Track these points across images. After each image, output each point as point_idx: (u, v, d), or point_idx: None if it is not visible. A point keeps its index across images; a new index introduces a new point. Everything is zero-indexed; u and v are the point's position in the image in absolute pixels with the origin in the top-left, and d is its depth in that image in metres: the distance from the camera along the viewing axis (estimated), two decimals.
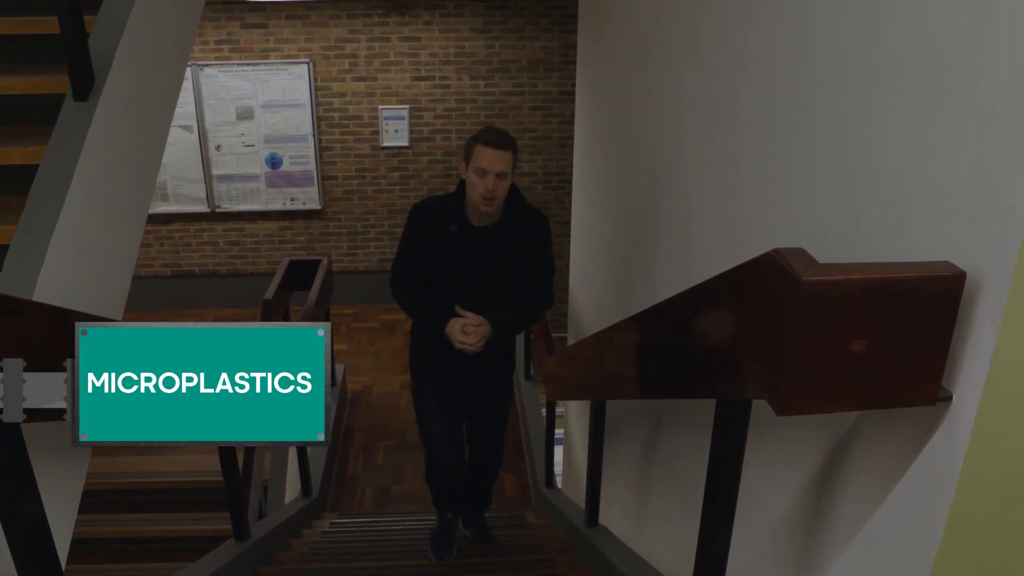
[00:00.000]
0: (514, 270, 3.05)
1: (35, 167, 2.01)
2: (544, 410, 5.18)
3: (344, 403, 6.26)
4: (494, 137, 2.82)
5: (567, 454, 5.19)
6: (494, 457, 3.59)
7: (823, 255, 1.04)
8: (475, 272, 3.00)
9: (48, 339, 1.46)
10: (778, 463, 1.60)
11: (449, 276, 3.02)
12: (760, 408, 1.17)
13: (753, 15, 1.75)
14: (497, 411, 3.45)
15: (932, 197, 1.09)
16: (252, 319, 7.72)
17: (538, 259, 3.09)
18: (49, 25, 2.19)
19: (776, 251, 0.99)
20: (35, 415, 1.35)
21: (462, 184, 2.96)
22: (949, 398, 1.04)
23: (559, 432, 5.34)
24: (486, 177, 2.78)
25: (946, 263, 1.00)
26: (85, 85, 2.10)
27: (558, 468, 5.13)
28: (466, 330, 2.92)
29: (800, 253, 0.98)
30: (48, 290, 1.81)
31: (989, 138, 0.98)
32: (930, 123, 1.09)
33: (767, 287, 1.04)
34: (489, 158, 2.78)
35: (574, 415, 4.78)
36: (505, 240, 3.00)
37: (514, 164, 2.85)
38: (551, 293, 3.17)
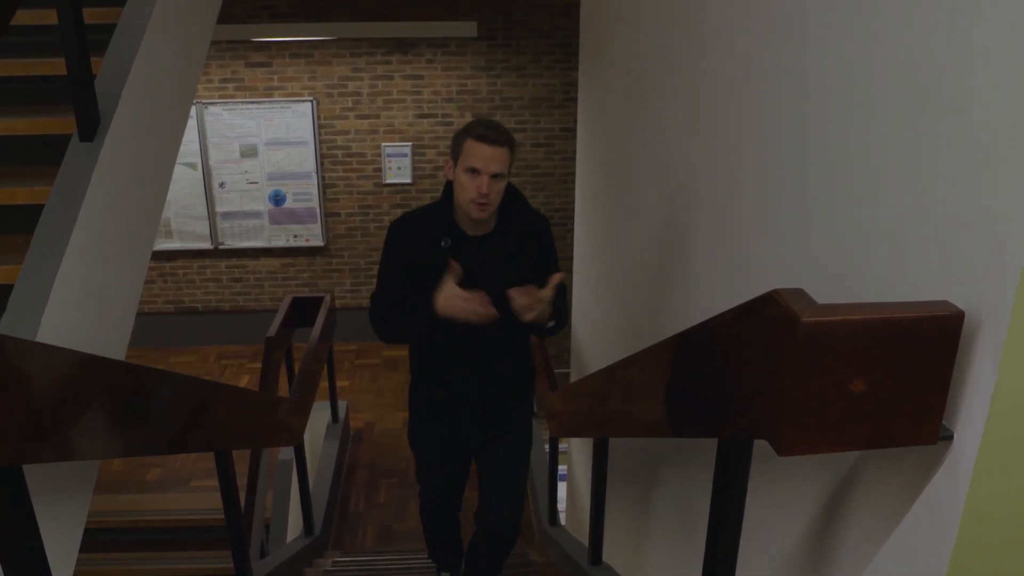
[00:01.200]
0: (518, 282, 2.48)
1: (40, 207, 2.02)
2: (547, 446, 5.16)
3: (347, 440, 6.24)
4: (488, 131, 2.38)
5: (570, 491, 5.17)
6: (507, 527, 2.89)
7: (821, 293, 1.05)
8: (474, 289, 2.44)
9: (50, 380, 1.46)
10: (781, 502, 1.59)
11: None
12: (762, 445, 1.17)
13: (752, 55, 1.77)
14: (512, 459, 2.86)
15: (929, 235, 1.09)
16: (255, 356, 7.75)
17: (546, 266, 2.61)
18: (56, 66, 2.22)
19: (775, 292, 1.00)
20: (36, 456, 1.35)
21: (448, 188, 2.54)
22: (950, 437, 1.04)
23: (563, 468, 5.32)
24: (479, 178, 2.37)
25: (944, 302, 1.00)
26: (91, 126, 2.13)
27: (562, 505, 5.10)
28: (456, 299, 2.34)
29: (799, 294, 0.99)
30: (52, 330, 1.81)
31: (983, 177, 0.99)
32: (924, 161, 1.10)
33: (767, 328, 1.04)
34: (483, 155, 2.36)
35: (577, 451, 4.76)
36: (507, 248, 2.57)
37: (511, 162, 2.44)
38: (566, 306, 2.68)
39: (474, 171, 2.36)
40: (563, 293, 2.56)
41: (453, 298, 2.33)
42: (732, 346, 1.22)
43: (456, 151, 2.43)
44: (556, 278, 2.38)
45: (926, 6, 1.10)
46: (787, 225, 1.57)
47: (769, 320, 1.02)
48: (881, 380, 0.99)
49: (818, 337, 0.95)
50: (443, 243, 2.52)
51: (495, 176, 2.38)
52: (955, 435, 1.04)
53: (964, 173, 1.02)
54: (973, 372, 1.01)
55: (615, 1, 3.33)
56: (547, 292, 2.38)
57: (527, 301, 2.33)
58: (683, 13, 2.27)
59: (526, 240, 2.61)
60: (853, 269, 1.30)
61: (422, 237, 2.54)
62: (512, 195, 2.58)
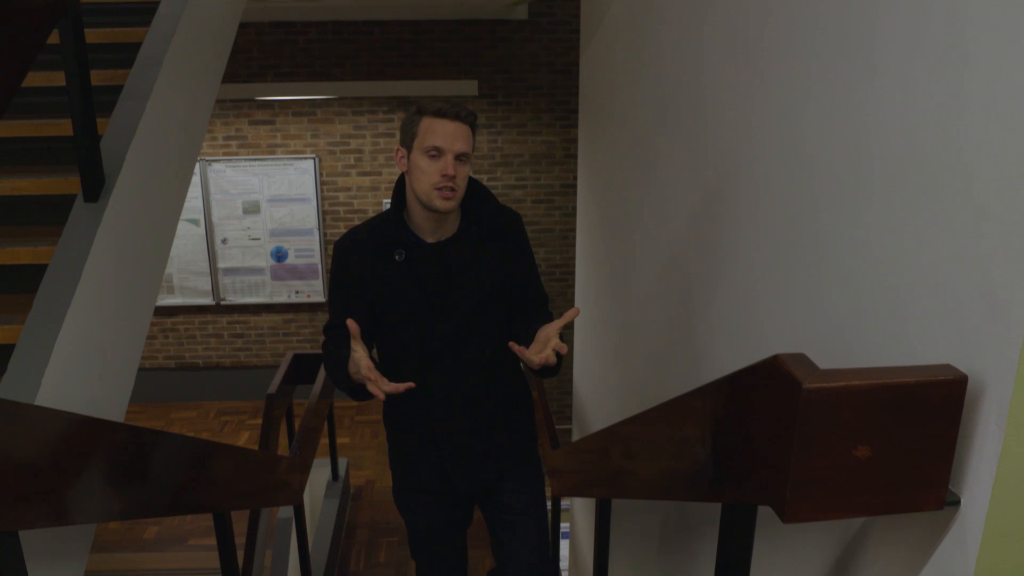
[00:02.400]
0: (495, 293, 2.18)
1: (44, 267, 2.03)
2: (549, 503, 5.11)
3: (347, 498, 6.18)
4: (448, 106, 2.05)
5: (573, 549, 5.10)
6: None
7: (824, 356, 1.05)
8: (442, 309, 2.14)
9: (48, 445, 1.45)
10: (786, 567, 1.57)
11: (409, 324, 2.15)
12: (767, 509, 1.15)
13: (749, 117, 1.79)
14: (521, 506, 2.46)
15: (930, 299, 1.09)
16: (255, 412, 7.70)
17: (527, 272, 2.28)
18: (62, 127, 2.25)
19: (777, 357, 1.00)
20: (33, 521, 1.33)
21: (399, 189, 2.17)
22: (957, 502, 1.03)
23: (565, 526, 5.26)
24: (442, 159, 2.02)
25: (947, 366, 1.00)
26: (96, 187, 2.14)
27: (564, 563, 5.03)
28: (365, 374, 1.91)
29: (801, 359, 0.98)
30: (52, 391, 1.81)
31: (983, 240, 0.99)
32: (924, 225, 1.11)
33: (769, 393, 1.04)
34: (445, 132, 2.02)
35: (580, 510, 4.71)
36: (474, 253, 2.17)
37: (474, 145, 2.11)
38: (550, 314, 2.30)
39: (436, 151, 2.02)
40: (539, 304, 2.29)
41: (364, 371, 1.91)
42: (734, 410, 1.21)
43: (408, 134, 2.08)
44: (572, 314, 1.88)
45: (921, 76, 1.11)
46: (788, 286, 1.57)
47: (771, 385, 1.02)
48: (885, 445, 0.99)
49: (820, 403, 0.95)
50: (396, 256, 2.13)
51: (460, 157, 2.04)
52: (962, 500, 1.03)
53: (964, 237, 1.03)
54: (978, 436, 1.00)
55: (614, 61, 3.37)
56: (554, 332, 1.93)
57: (542, 355, 1.88)
58: (682, 74, 2.30)
59: (495, 242, 2.20)
60: (855, 332, 1.29)
61: (372, 252, 2.15)
62: (474, 190, 2.20)
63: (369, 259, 2.15)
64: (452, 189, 2.03)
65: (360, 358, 1.91)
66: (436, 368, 2.21)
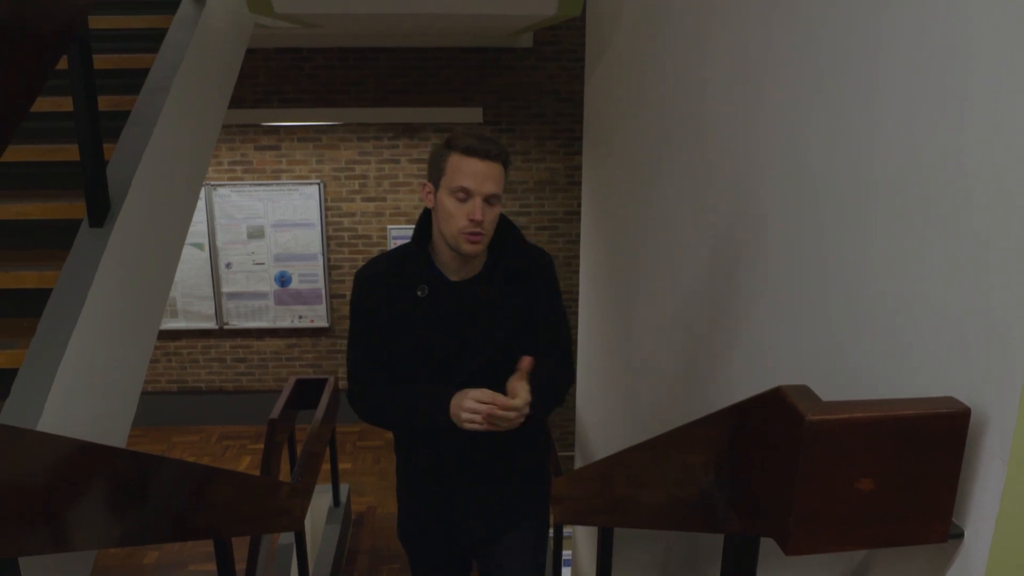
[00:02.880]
0: (519, 336, 2.06)
1: (49, 291, 2.04)
2: (552, 531, 5.08)
3: (348, 524, 6.14)
4: (479, 143, 1.90)
5: None
6: None
7: (828, 388, 1.05)
8: (465, 349, 2.03)
9: (49, 471, 1.45)
10: None
11: (429, 363, 2.04)
12: (769, 540, 1.15)
13: (753, 146, 1.79)
14: (517, 567, 2.35)
15: (934, 332, 1.09)
16: (257, 437, 7.68)
17: (548, 315, 2.14)
18: (69, 152, 2.26)
19: (780, 388, 1.00)
20: (33, 548, 1.33)
21: (424, 222, 2.06)
22: (961, 535, 1.03)
23: (567, 554, 5.22)
24: (470, 202, 1.90)
25: (950, 399, 1.00)
26: (101, 212, 2.16)
27: None
28: (472, 406, 1.87)
29: (804, 391, 0.98)
30: (54, 415, 1.81)
31: (987, 273, 0.99)
32: (928, 257, 1.11)
33: (772, 424, 1.04)
34: (475, 172, 1.88)
35: (582, 538, 4.68)
36: (498, 294, 2.05)
37: (504, 185, 1.97)
38: (573, 363, 2.21)
39: (464, 193, 1.89)
40: (560, 345, 2.18)
41: (466, 405, 1.87)
42: (737, 441, 1.21)
43: (436, 170, 1.95)
44: (525, 363, 1.93)
45: (923, 106, 1.12)
46: (792, 318, 1.58)
47: (774, 417, 1.02)
48: (888, 478, 0.98)
49: (823, 435, 0.94)
50: (420, 292, 2.02)
51: (489, 199, 1.91)
52: (966, 533, 1.02)
53: (967, 270, 1.03)
54: (982, 469, 1.00)
55: (618, 89, 3.39)
56: (517, 387, 1.89)
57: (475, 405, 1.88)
58: (685, 101, 2.32)
59: (521, 283, 2.08)
60: (860, 364, 1.29)
61: (394, 286, 2.05)
62: (504, 227, 2.07)
63: (390, 292, 2.05)
64: (479, 234, 1.92)
65: (462, 401, 1.89)
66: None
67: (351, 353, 2.14)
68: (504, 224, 2.07)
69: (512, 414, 1.85)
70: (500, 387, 1.93)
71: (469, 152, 1.89)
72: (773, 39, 1.67)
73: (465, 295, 2.04)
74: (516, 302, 2.07)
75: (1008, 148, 0.95)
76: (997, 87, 0.97)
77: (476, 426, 1.87)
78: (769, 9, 1.70)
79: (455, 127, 7.58)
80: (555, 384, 2.09)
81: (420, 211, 2.19)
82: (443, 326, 2.03)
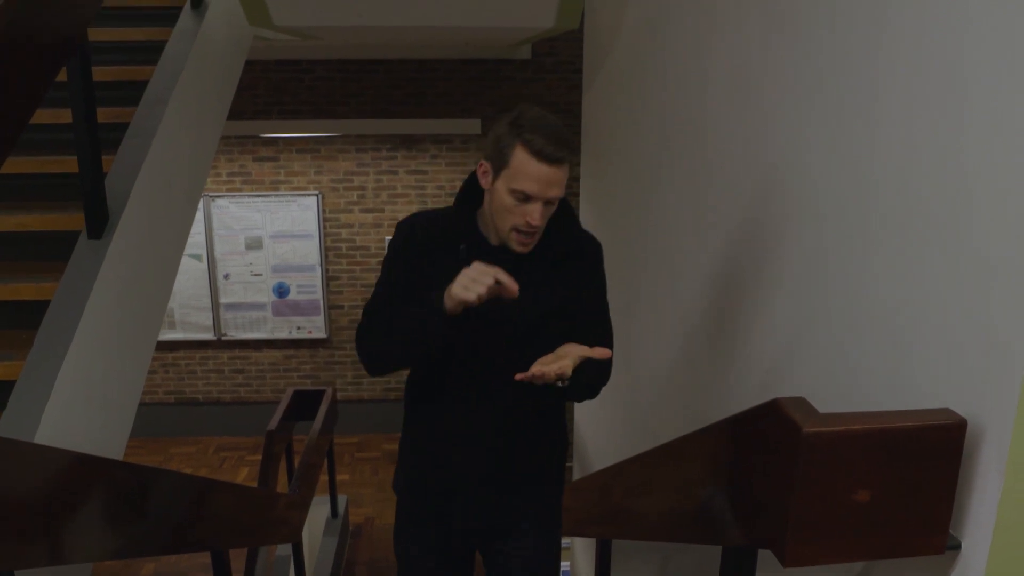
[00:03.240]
0: (554, 316, 1.90)
1: (47, 303, 2.04)
2: None
3: (346, 536, 6.13)
4: (553, 148, 1.71)
5: None
6: None
7: (825, 399, 1.05)
8: (497, 317, 1.86)
9: (46, 483, 1.45)
10: None
11: (455, 328, 1.82)
12: (767, 552, 1.15)
13: (753, 160, 1.80)
14: (534, 567, 2.15)
15: (931, 343, 1.10)
16: (255, 448, 7.65)
17: (595, 306, 2.00)
18: (68, 164, 2.27)
19: (777, 400, 1.00)
20: (30, 560, 1.33)
21: (471, 187, 1.93)
22: (958, 547, 1.03)
23: (565, 565, 5.21)
24: (530, 204, 1.76)
25: (947, 411, 1.00)
26: (100, 224, 2.16)
27: None
28: (474, 273, 1.68)
29: (801, 403, 0.99)
30: (52, 427, 1.81)
31: (982, 287, 1.00)
32: (925, 268, 1.12)
33: (769, 436, 1.04)
34: (540, 178, 1.73)
35: (581, 549, 4.67)
36: (544, 266, 1.90)
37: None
38: (611, 361, 1.90)
39: (523, 195, 1.75)
40: (603, 334, 1.99)
41: (475, 275, 1.67)
42: (735, 453, 1.21)
43: (500, 158, 1.78)
44: (597, 350, 1.70)
45: (922, 111, 1.13)
46: (790, 329, 1.58)
47: (771, 428, 1.02)
48: (885, 490, 0.98)
49: (820, 447, 0.95)
50: (461, 249, 1.89)
51: (549, 203, 1.79)
52: (963, 544, 1.03)
53: (965, 284, 1.03)
54: (979, 480, 1.00)
55: (616, 101, 3.40)
56: (577, 352, 1.70)
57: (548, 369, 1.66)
58: (684, 113, 2.32)
59: (568, 264, 1.94)
60: (859, 376, 1.30)
61: (437, 241, 1.92)
62: (561, 209, 1.92)
63: (435, 244, 1.91)
64: (532, 235, 1.82)
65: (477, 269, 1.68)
66: (474, 389, 1.96)
67: (372, 297, 1.98)
68: (562, 205, 1.92)
69: (551, 368, 1.65)
70: (525, 365, 1.73)
71: (540, 156, 1.71)
72: (772, 48, 1.68)
73: (503, 262, 1.79)
74: (558, 282, 1.92)
75: (1003, 164, 0.96)
76: (996, 91, 0.97)
77: (472, 295, 1.66)
78: (768, 19, 1.70)
79: (453, 138, 7.60)
80: (596, 372, 1.87)
81: None
82: None
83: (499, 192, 1.78)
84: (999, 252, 0.97)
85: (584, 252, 1.98)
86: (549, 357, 1.69)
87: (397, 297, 1.90)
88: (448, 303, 1.73)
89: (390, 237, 2.03)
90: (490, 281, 1.66)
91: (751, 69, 1.80)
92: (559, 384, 1.71)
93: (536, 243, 1.87)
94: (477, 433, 1.99)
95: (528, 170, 1.72)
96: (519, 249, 1.83)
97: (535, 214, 1.75)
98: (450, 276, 1.77)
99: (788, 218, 1.59)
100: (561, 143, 1.73)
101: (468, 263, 1.76)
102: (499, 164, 1.77)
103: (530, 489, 2.10)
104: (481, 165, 1.84)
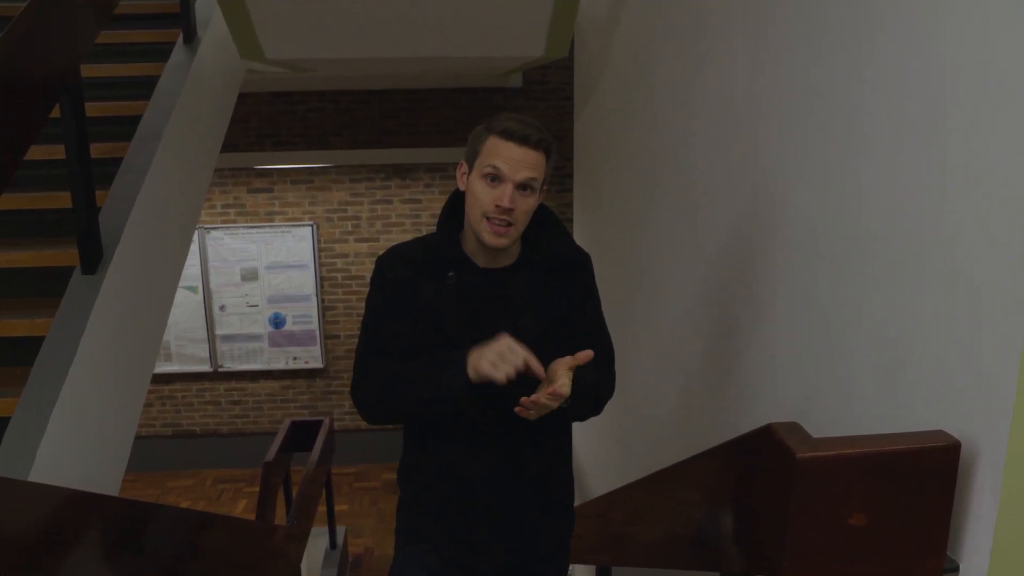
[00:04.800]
0: (549, 335, 1.78)
1: (41, 339, 2.04)
2: None
3: (345, 567, 6.08)
4: (519, 126, 1.70)
5: None
6: None
7: (819, 424, 1.05)
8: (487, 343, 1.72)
9: (41, 520, 1.44)
10: None
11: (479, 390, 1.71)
12: None
13: (740, 188, 1.81)
14: None
15: (922, 367, 1.10)
16: (252, 480, 7.60)
17: (590, 319, 1.92)
18: (62, 200, 2.27)
19: (771, 426, 1.00)
20: None
21: (455, 204, 1.86)
22: (956, 569, 1.03)
23: None
24: (500, 186, 1.69)
25: (940, 432, 1.00)
26: (94, 259, 2.16)
27: None
28: (501, 347, 1.62)
29: (794, 428, 0.99)
30: (47, 463, 1.80)
31: (972, 311, 1.00)
32: (915, 296, 1.12)
33: (764, 462, 1.04)
34: (510, 155, 1.69)
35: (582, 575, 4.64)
36: (531, 286, 1.83)
37: (547, 175, 1.77)
38: (613, 374, 1.91)
39: (495, 176, 1.70)
40: (602, 350, 1.87)
41: (490, 356, 1.61)
42: (731, 479, 1.21)
43: (472, 151, 1.77)
44: (581, 355, 1.65)
45: (909, 152, 1.14)
46: (783, 353, 1.58)
47: (765, 454, 1.02)
48: (881, 513, 0.98)
49: (814, 472, 0.95)
50: (448, 278, 1.80)
51: (524, 186, 1.71)
52: (960, 567, 1.02)
53: (954, 306, 1.04)
54: (974, 502, 1.00)
55: (607, 127, 3.42)
56: (564, 367, 1.64)
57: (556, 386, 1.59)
58: (672, 142, 2.34)
59: (558, 279, 1.86)
60: (849, 400, 1.30)
61: (420, 270, 1.84)
62: (545, 219, 1.88)
63: (420, 277, 1.83)
64: (507, 224, 1.71)
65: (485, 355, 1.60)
66: (476, 417, 1.82)
67: (360, 341, 1.90)
68: (544, 214, 1.87)
69: (549, 400, 1.59)
70: (522, 390, 1.67)
71: (506, 135, 1.69)
72: (757, 73, 1.70)
73: (494, 283, 1.81)
74: (550, 298, 1.84)
75: (985, 199, 0.97)
76: (978, 119, 0.98)
77: (500, 375, 1.58)
78: (754, 46, 1.72)
79: (447, 166, 7.62)
80: (598, 388, 1.83)
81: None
82: (467, 316, 1.79)
83: (473, 183, 1.74)
84: (986, 277, 0.98)
85: (576, 263, 1.91)
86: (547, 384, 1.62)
87: (391, 340, 1.82)
88: (472, 374, 1.65)
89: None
90: (520, 363, 1.59)
91: (737, 94, 1.81)
92: (562, 406, 1.63)
93: (515, 249, 1.83)
94: (490, 458, 1.87)
95: (498, 150, 1.70)
96: (492, 241, 1.73)
97: (505, 196, 1.68)
98: (437, 305, 1.77)
99: (779, 251, 1.59)
100: (530, 126, 1.71)
101: (458, 290, 1.76)
102: (471, 156, 1.76)
103: (556, 522, 1.97)
104: (460, 166, 1.82)
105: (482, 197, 1.70)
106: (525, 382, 1.68)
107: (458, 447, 1.88)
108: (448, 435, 1.88)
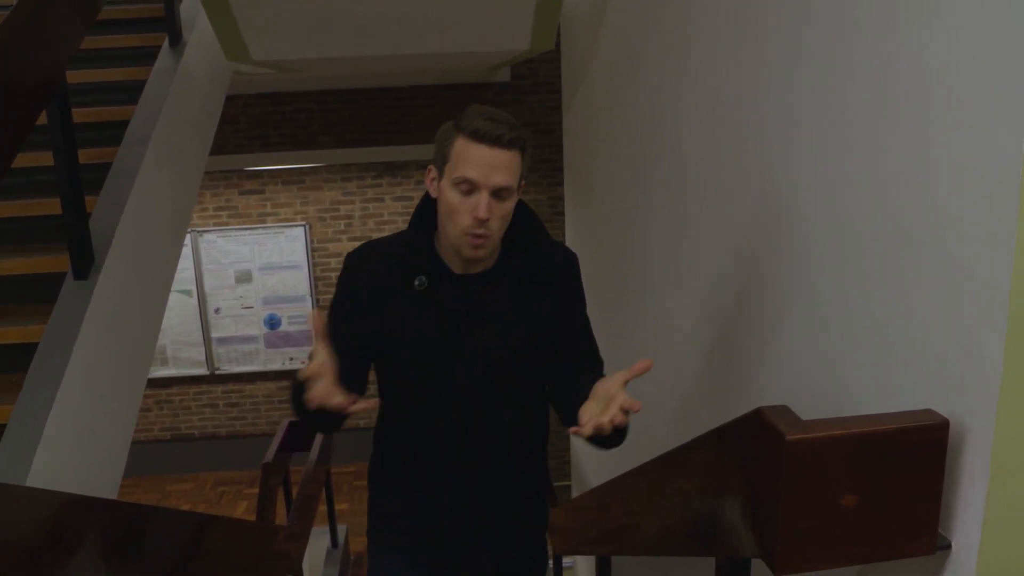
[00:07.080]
0: (528, 347, 1.73)
1: (34, 346, 2.04)
2: (552, 562, 5.04)
3: (347, 566, 6.09)
4: (490, 124, 1.56)
5: None
6: None
7: (809, 407, 1.06)
8: (462, 355, 1.70)
9: (38, 525, 1.44)
10: None
11: (419, 371, 1.72)
12: (760, 562, 1.15)
13: (729, 178, 1.82)
14: None
15: (910, 346, 1.11)
16: (252, 481, 7.61)
17: (578, 326, 1.83)
18: (51, 206, 2.27)
19: (760, 410, 1.01)
20: None
21: (427, 207, 1.74)
22: (948, 546, 1.03)
23: None
24: (475, 196, 1.57)
25: (928, 411, 1.01)
26: (85, 265, 2.16)
27: None
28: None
29: (783, 411, 1.00)
30: (43, 471, 1.80)
31: (956, 290, 1.01)
32: (901, 277, 1.13)
33: (754, 446, 1.05)
34: (480, 161, 1.55)
35: (583, 569, 4.65)
36: (511, 292, 1.72)
37: (523, 172, 1.65)
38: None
39: (467, 185, 1.57)
40: (591, 363, 1.83)
41: (318, 379, 1.46)
42: (721, 464, 1.22)
43: (441, 155, 1.63)
44: (643, 366, 1.50)
45: (894, 142, 1.15)
46: (772, 339, 1.59)
47: (756, 438, 1.03)
48: (872, 493, 0.99)
49: (804, 454, 0.95)
50: (417, 284, 1.68)
51: (499, 193, 1.59)
52: (953, 544, 1.03)
53: (940, 285, 1.05)
54: (964, 479, 1.01)
55: (595, 120, 3.43)
56: (618, 386, 1.48)
57: (609, 414, 1.43)
58: (659, 135, 2.34)
59: (540, 284, 1.75)
60: (838, 380, 1.31)
61: (390, 276, 1.71)
62: (523, 219, 1.76)
63: (388, 280, 1.71)
64: (483, 237, 1.60)
65: (317, 352, 1.47)
66: (446, 431, 1.76)
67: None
68: (522, 214, 1.75)
69: (606, 417, 1.43)
70: (500, 402, 1.70)
71: (477, 137, 1.55)
72: (744, 67, 1.70)
73: (471, 291, 1.70)
74: (531, 305, 1.74)
75: (971, 178, 0.97)
76: (960, 112, 0.99)
77: (328, 403, 1.44)
78: (739, 39, 1.73)
79: None
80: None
81: None
82: (440, 325, 1.69)
83: (444, 193, 1.60)
84: (971, 257, 0.98)
85: (559, 266, 1.79)
86: (596, 406, 1.46)
87: (352, 344, 1.67)
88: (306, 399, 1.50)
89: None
90: (321, 390, 1.45)
91: (724, 85, 1.82)
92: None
93: (495, 253, 1.71)
94: (461, 473, 1.83)
95: (468, 154, 1.56)
96: (471, 253, 1.63)
97: (481, 207, 1.55)
98: (408, 312, 1.67)
99: (767, 239, 1.60)
100: (501, 124, 1.57)
101: (426, 296, 1.67)
102: (440, 160, 1.63)
103: (529, 532, 2.01)
104: (428, 171, 1.68)
105: (459, 209, 1.58)
106: (478, 384, 1.68)
107: (419, 451, 1.83)
108: (407, 438, 1.83)
